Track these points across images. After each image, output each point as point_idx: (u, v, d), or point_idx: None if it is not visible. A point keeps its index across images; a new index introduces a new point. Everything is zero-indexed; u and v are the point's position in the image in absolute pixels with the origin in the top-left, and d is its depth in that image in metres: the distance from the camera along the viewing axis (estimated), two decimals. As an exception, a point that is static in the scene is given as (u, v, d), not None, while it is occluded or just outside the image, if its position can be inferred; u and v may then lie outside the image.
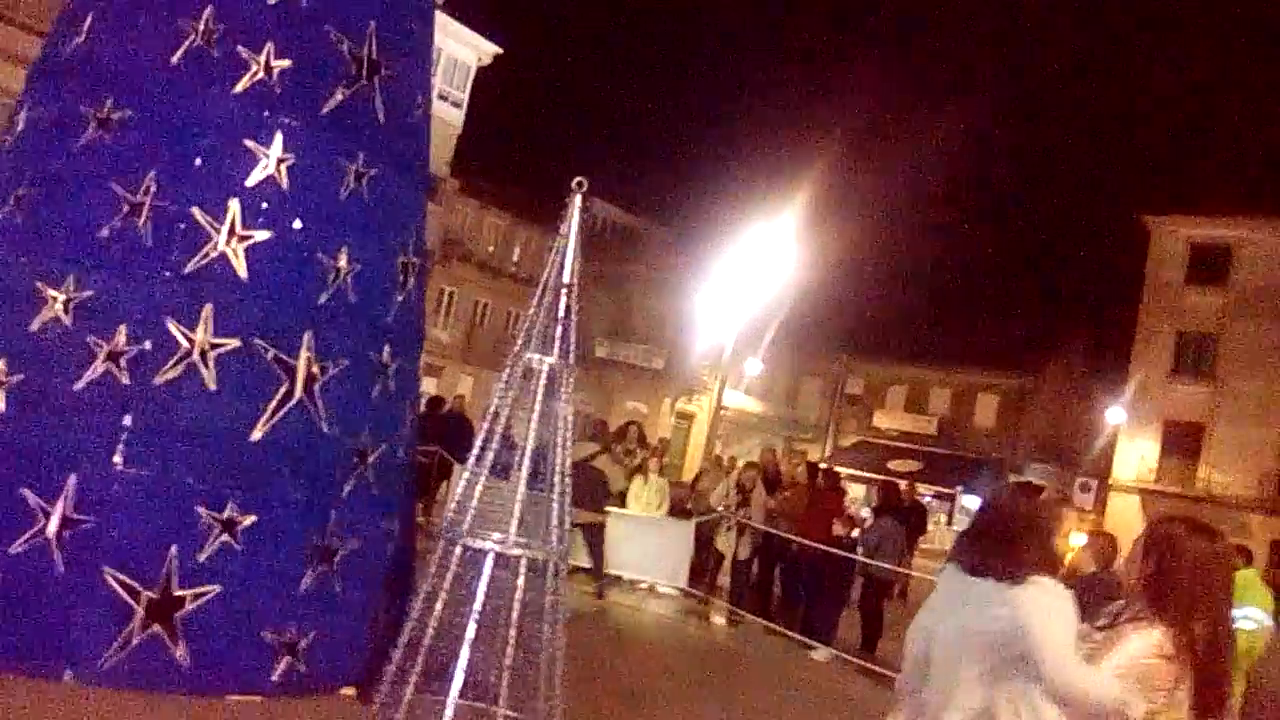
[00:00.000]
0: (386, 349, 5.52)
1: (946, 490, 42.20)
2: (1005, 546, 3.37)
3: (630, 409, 42.01)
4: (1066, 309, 44.69)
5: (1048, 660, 3.16)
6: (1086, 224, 67.18)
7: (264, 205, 5.06)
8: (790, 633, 11.19)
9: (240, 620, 4.88)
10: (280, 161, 5.09)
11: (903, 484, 15.31)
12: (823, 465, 15.37)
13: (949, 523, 40.85)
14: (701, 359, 41.76)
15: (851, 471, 42.05)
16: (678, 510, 13.31)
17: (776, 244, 23.86)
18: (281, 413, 5.00)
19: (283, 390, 5.02)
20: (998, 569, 3.33)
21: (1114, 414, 38.54)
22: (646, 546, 12.22)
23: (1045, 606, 3.24)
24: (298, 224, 5.15)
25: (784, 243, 24.09)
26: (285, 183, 5.11)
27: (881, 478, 16.60)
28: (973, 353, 43.80)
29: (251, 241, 5.01)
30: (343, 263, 5.26)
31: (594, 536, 11.41)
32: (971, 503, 39.28)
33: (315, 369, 5.13)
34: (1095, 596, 4.21)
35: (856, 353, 48.29)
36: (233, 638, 4.85)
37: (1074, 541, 8.72)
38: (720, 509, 12.51)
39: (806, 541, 11.31)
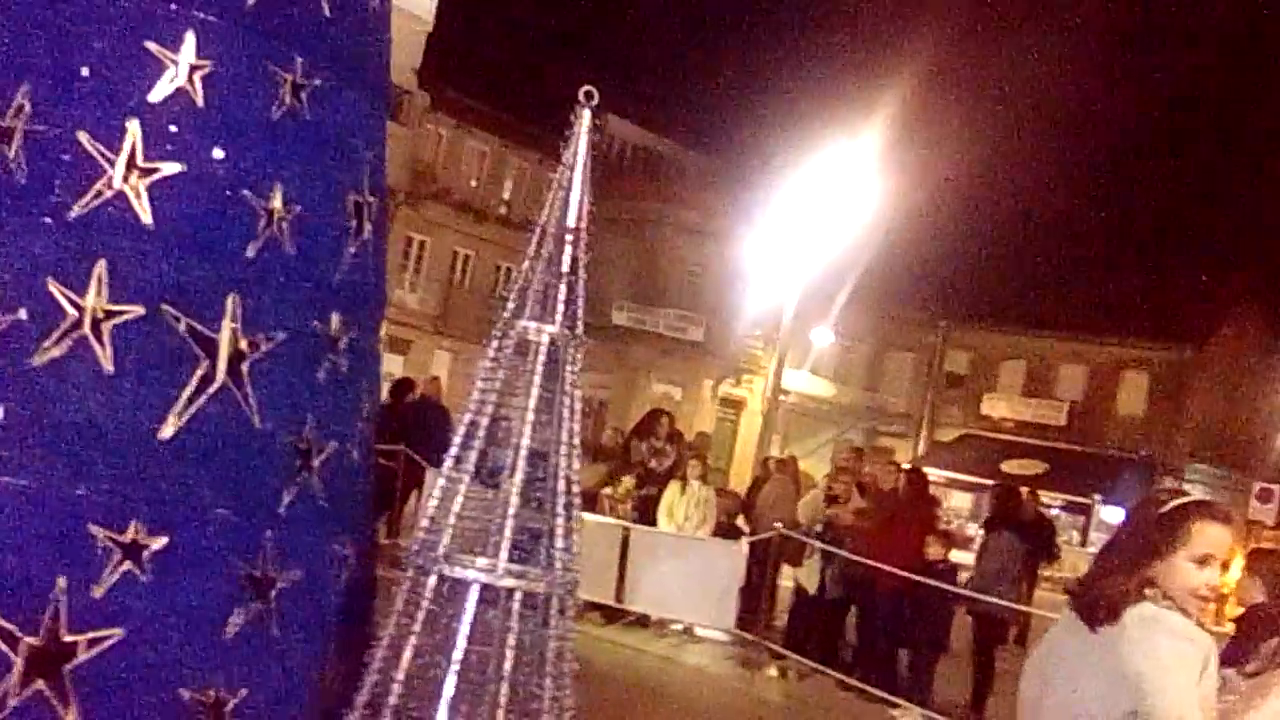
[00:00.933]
0: (335, 317, 5.52)
1: (1080, 499, 42.12)
2: (1104, 568, 3.40)
3: (660, 394, 42.13)
4: (1240, 262, 44.13)
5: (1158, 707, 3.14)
6: (1268, 151, 66.56)
7: (172, 129, 5.05)
8: (871, 688, 11.22)
9: (149, 674, 4.91)
10: (193, 70, 5.09)
11: (1023, 490, 15.26)
12: (905, 465, 15.36)
13: (1083, 542, 40.76)
14: (753, 329, 41.75)
15: (952, 475, 42.14)
16: (725, 529, 13.37)
17: (852, 176, 23.78)
18: (199, 402, 5.01)
19: (200, 372, 5.03)
20: (1090, 596, 3.35)
21: (1304, 398, 38.34)
22: (683, 576, 12.26)
23: (1162, 650, 3.22)
24: (217, 153, 5.15)
25: (862, 175, 24.01)
26: (200, 98, 5.10)
27: (993, 483, 16.54)
28: (1115, 318, 43.58)
29: (156, 176, 5.01)
30: (277, 204, 5.26)
31: None
32: (1113, 516, 39.17)
33: (243, 344, 5.14)
34: (1261, 633, 4.18)
35: (959, 319, 48.20)
36: (139, 697, 4.89)
37: (1231, 574, 8.66)
38: (807, 527, 12.53)
39: (886, 568, 11.31)
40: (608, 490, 13.35)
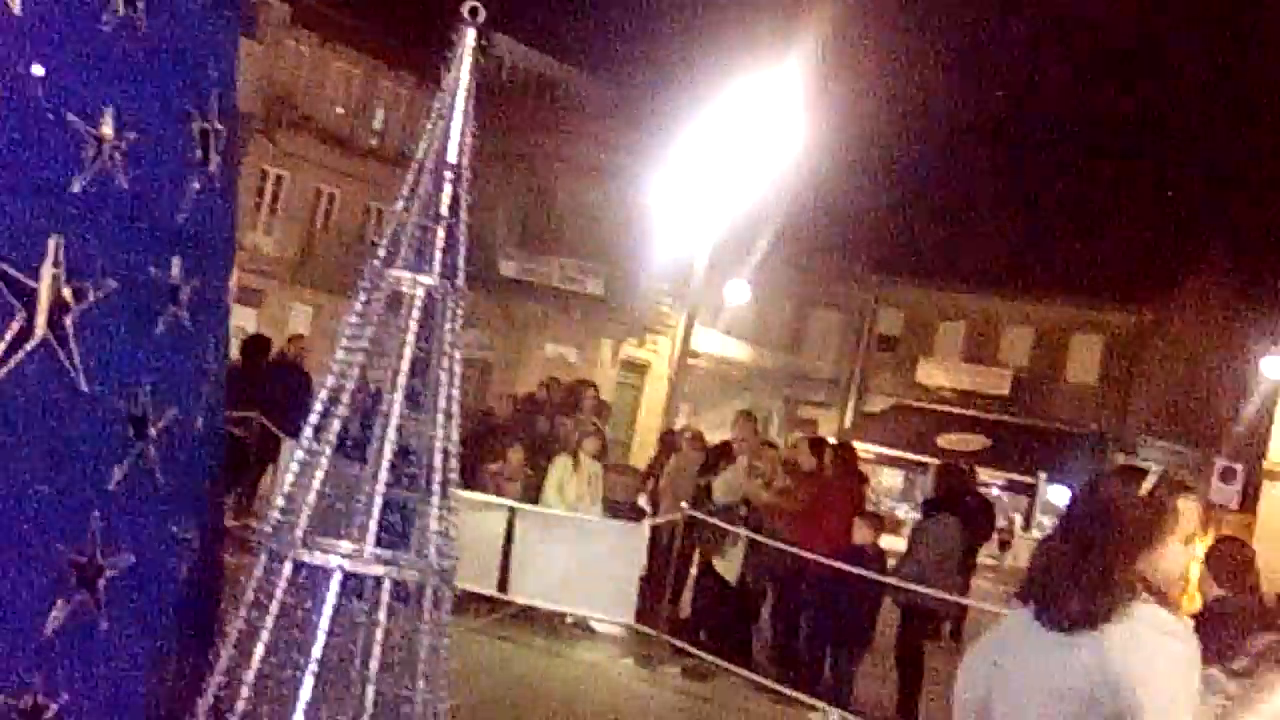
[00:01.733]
0: (176, 263, 5.45)
1: (1024, 478, 42.93)
2: (1088, 566, 3.41)
3: (552, 355, 42.20)
4: (1204, 216, 45.05)
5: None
6: (1235, 89, 67.91)
7: (-17, 41, 4.95)
8: (786, 689, 11.37)
9: (-45, 676, 4.85)
10: (7, -28, 4.99)
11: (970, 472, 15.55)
12: (831, 440, 15.54)
13: (1026, 525, 41.61)
14: (659, 283, 41.87)
15: (882, 450, 42.74)
16: (625, 509, 13.44)
17: (773, 110, 23.88)
18: (14, 360, 4.93)
19: (16, 326, 4.95)
20: (1076, 603, 3.38)
21: (1272, 366, 39.24)
22: (576, 562, 12.31)
23: (1149, 649, 3.30)
24: (36, 69, 5.05)
25: (784, 108, 24.12)
26: (16, 4, 5.00)
27: (938, 461, 16.83)
28: (1066, 276, 44.31)
29: (-36, 96, 4.91)
30: (107, 130, 5.18)
31: None
32: (1060, 496, 39.97)
33: (66, 293, 5.07)
34: (1229, 629, 4.30)
35: (892, 274, 48.74)
36: (-57, 702, 4.83)
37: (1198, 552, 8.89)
38: (729, 506, 12.62)
39: (807, 554, 11.45)
40: (493, 465, 13.36)
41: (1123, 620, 3.33)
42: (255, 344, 17.02)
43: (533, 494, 13.00)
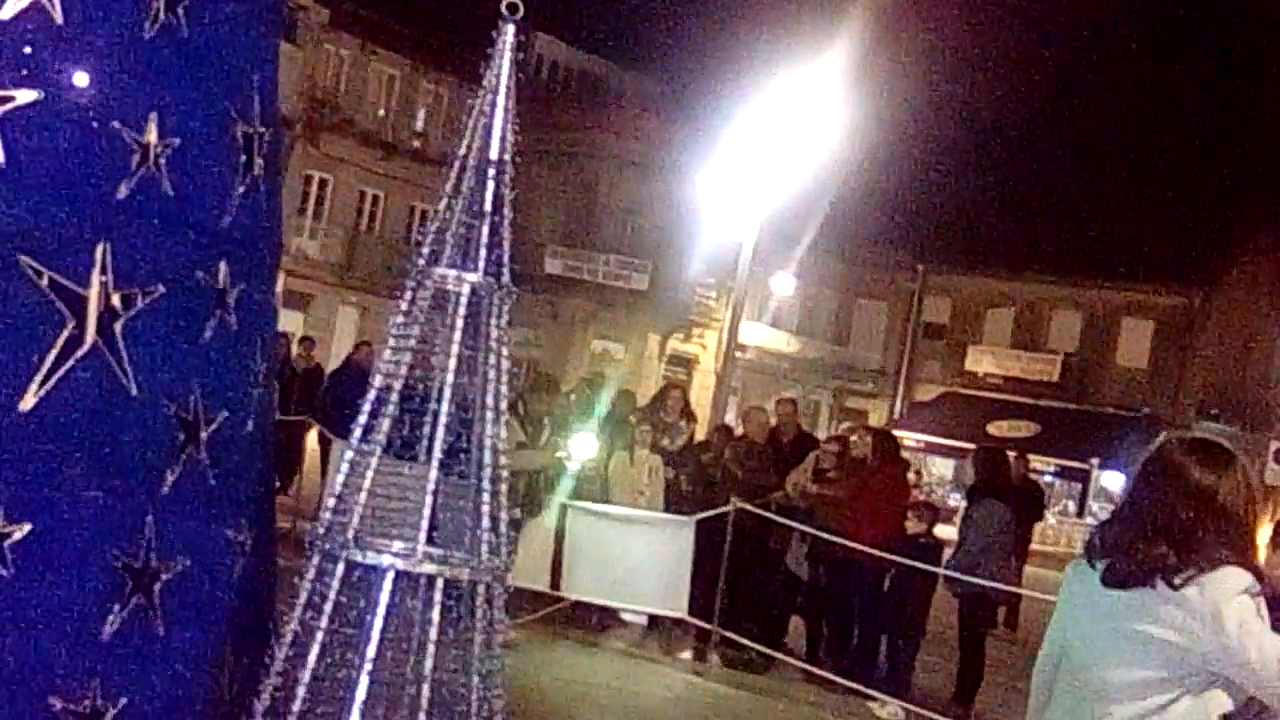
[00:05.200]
0: (223, 268, 5.48)
1: (1076, 464, 42.63)
2: (1175, 536, 3.58)
3: (600, 351, 42.20)
4: (1254, 196, 44.54)
5: (1259, 674, 3.46)
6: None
7: (27, 50, 4.98)
8: (843, 680, 11.34)
9: (15, 681, 4.88)
10: (51, -18, 5.02)
11: (1010, 455, 15.41)
12: (875, 428, 15.46)
13: (1080, 512, 41.35)
14: (705, 276, 41.83)
15: (932, 438, 42.51)
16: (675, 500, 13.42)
17: (816, 100, 23.79)
18: (66, 368, 4.97)
19: (67, 333, 4.98)
20: (1166, 567, 3.55)
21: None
22: (626, 557, 12.31)
23: (1239, 603, 3.49)
24: (80, 78, 5.08)
25: (828, 98, 24.02)
26: (59, 14, 5.02)
27: (978, 446, 16.72)
28: (1114, 259, 43.94)
29: (10, 107, 4.94)
30: (151, 136, 5.21)
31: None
32: (1113, 482, 39.67)
33: (115, 300, 5.09)
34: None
35: (939, 262, 48.49)
36: (3, 707, 4.86)
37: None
38: (796, 500, 12.57)
39: (860, 547, 11.40)
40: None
41: (1209, 578, 3.51)
42: (301, 347, 17.16)
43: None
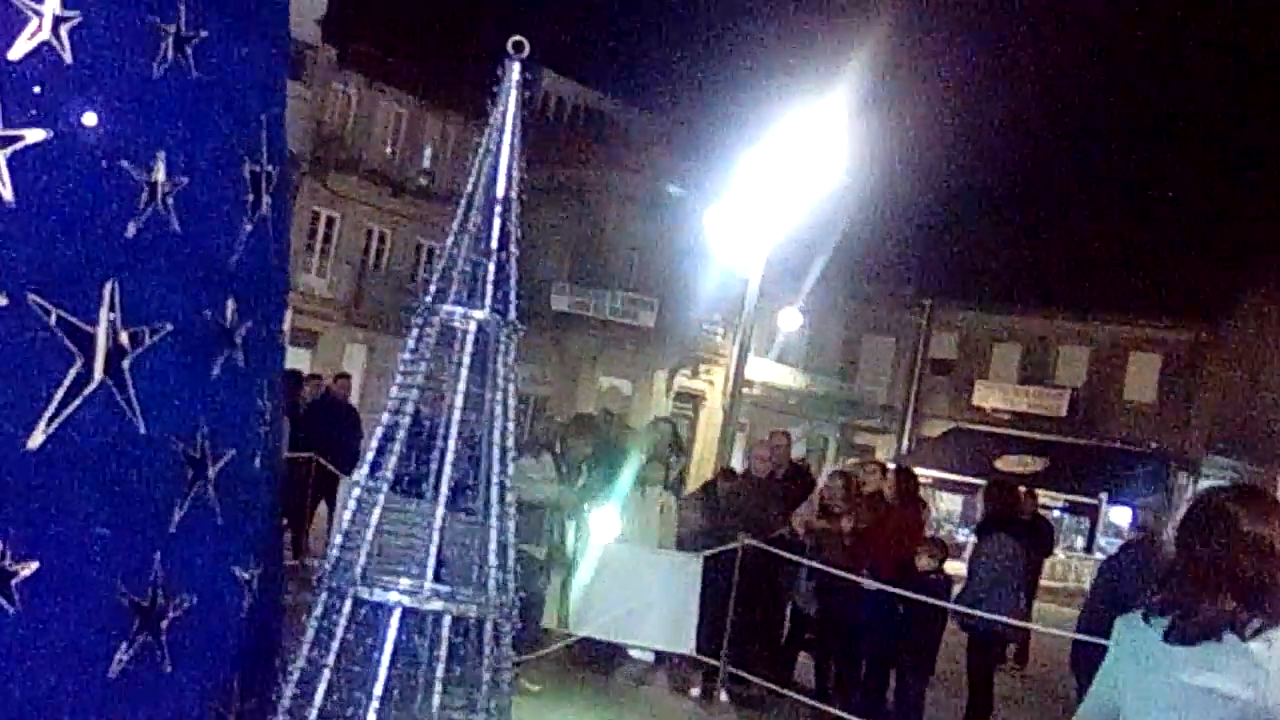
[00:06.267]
0: (231, 306, 5.49)
1: (1084, 499, 42.53)
2: (1240, 588, 3.58)
3: (607, 388, 42.14)
4: (1260, 231, 44.54)
5: None
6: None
7: (36, 90, 5.00)
8: (852, 717, 11.29)
9: (20, 719, 4.88)
10: (60, 22, 5.04)
11: (1019, 489, 15.38)
12: (890, 464, 15.45)
13: (1088, 548, 41.17)
14: (711, 312, 41.84)
15: (940, 474, 42.42)
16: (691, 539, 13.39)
17: (822, 137, 23.85)
18: (74, 405, 4.97)
19: (75, 371, 4.99)
20: (1235, 621, 3.55)
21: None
22: (632, 594, 12.29)
23: None
24: (89, 118, 5.11)
25: (834, 135, 24.07)
26: (68, 54, 5.05)
27: (988, 480, 16.69)
28: (1122, 294, 43.97)
29: (19, 146, 4.96)
30: (160, 175, 5.23)
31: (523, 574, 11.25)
32: (1122, 517, 39.55)
33: (123, 338, 5.11)
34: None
35: (945, 298, 48.49)
36: (10, 746, 4.86)
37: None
38: (803, 537, 12.55)
39: (870, 582, 11.39)
40: None
41: (1276, 631, 3.53)
42: (308, 384, 17.16)
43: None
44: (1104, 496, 42.04)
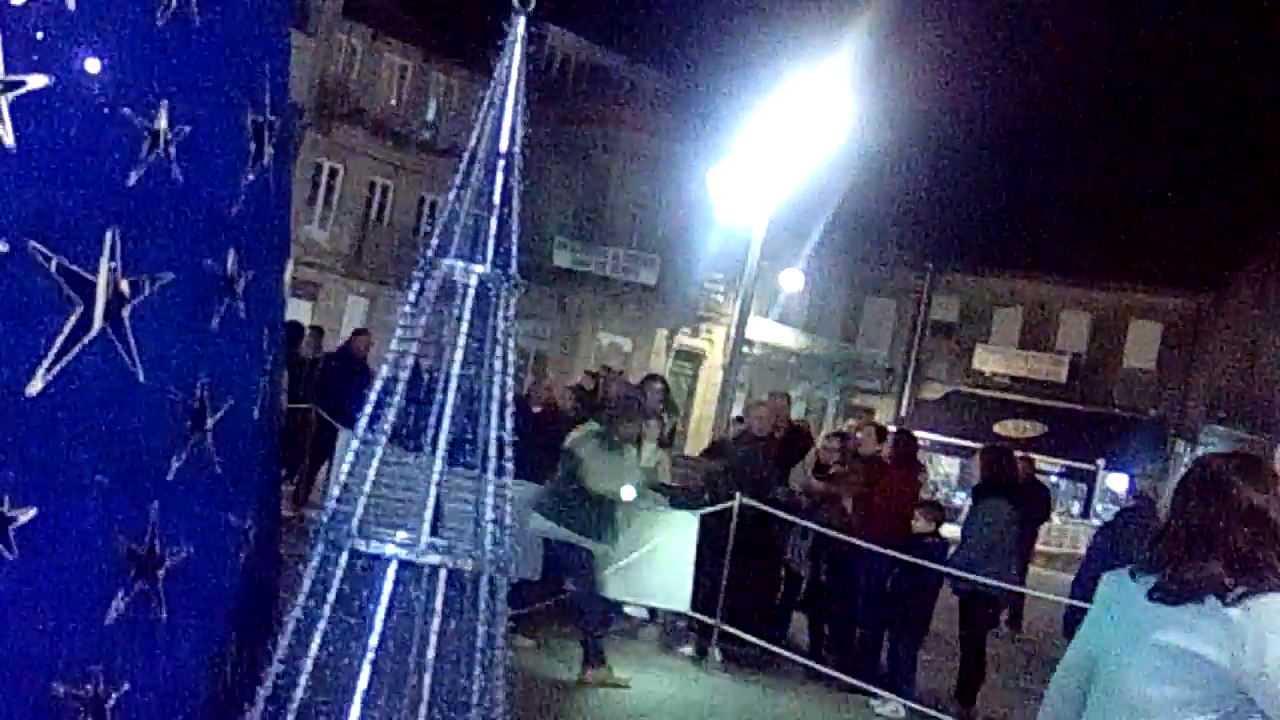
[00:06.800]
0: (232, 256, 5.49)
1: (1082, 465, 42.64)
2: (1229, 554, 3.59)
3: (607, 345, 42.25)
4: (1263, 198, 44.44)
5: None
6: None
7: (38, 36, 4.98)
8: (845, 677, 11.35)
9: (16, 665, 4.89)
10: (63, -32, 5.03)
11: (1017, 454, 15.40)
12: (890, 427, 15.48)
13: (1085, 513, 41.30)
14: (712, 271, 41.82)
15: (939, 437, 42.49)
16: (679, 495, 13.41)
17: (826, 95, 23.78)
18: (73, 353, 4.98)
19: (74, 319, 4.99)
20: (1219, 585, 3.56)
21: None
22: (631, 551, 12.29)
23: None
24: (92, 64, 5.09)
25: (837, 94, 24.01)
26: (71, 1, 5.04)
27: (985, 445, 16.72)
28: (1123, 260, 43.93)
29: (20, 92, 4.95)
30: (161, 123, 5.21)
31: (576, 566, 10.81)
32: (1119, 483, 39.64)
33: (123, 286, 5.10)
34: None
35: (947, 261, 48.48)
36: (4, 691, 4.88)
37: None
38: (799, 497, 12.53)
39: (865, 544, 11.40)
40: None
41: (1258, 602, 3.52)
42: (309, 336, 17.14)
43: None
44: (1101, 463, 42.15)
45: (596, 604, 10.90)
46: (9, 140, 4.94)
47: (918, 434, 16.06)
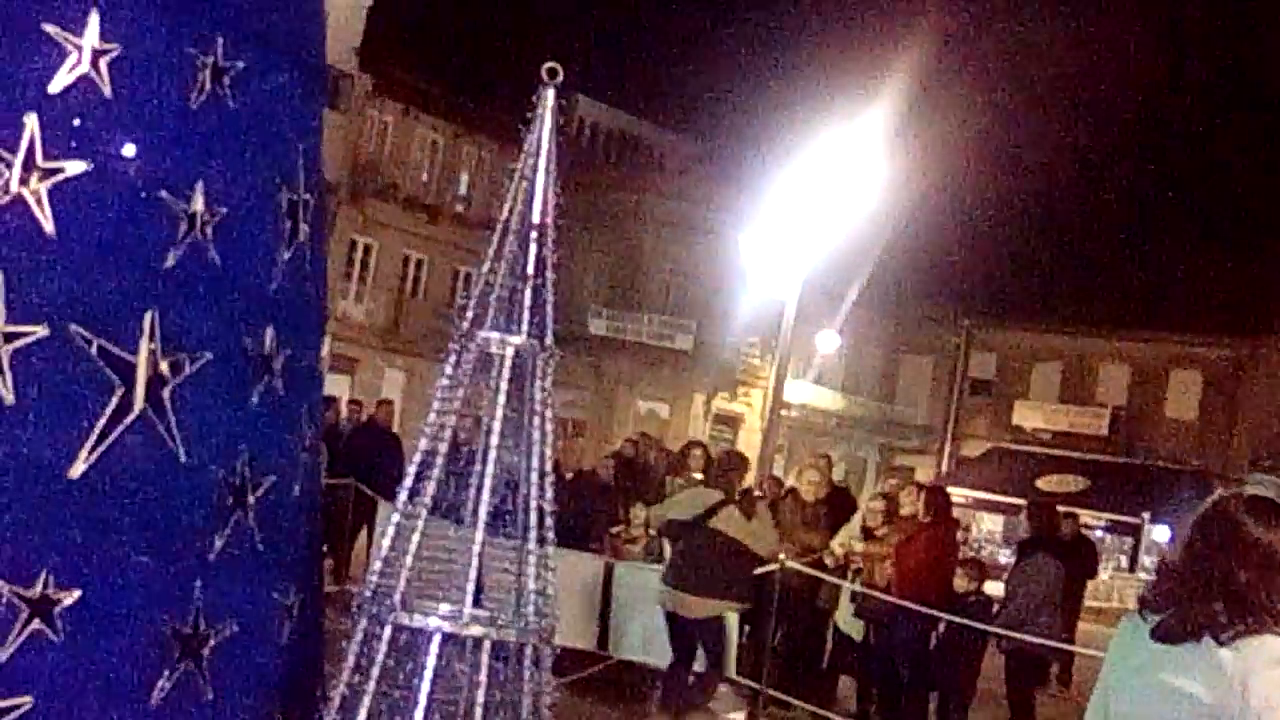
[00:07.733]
0: (270, 333, 5.52)
1: (1127, 519, 42.22)
2: (1231, 594, 3.51)
3: (645, 411, 42.17)
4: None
5: None
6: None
7: (76, 122, 5.05)
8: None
9: (65, 748, 4.90)
10: (99, 55, 5.08)
11: (1060, 509, 15.30)
12: (927, 484, 15.39)
13: (1131, 567, 40.89)
14: (748, 335, 41.79)
15: (980, 495, 42.22)
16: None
17: (858, 158, 23.85)
18: (115, 434, 5.00)
19: (116, 400, 5.02)
20: (1217, 624, 3.49)
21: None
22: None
23: (1271, 676, 3.38)
24: (128, 149, 5.15)
25: (870, 156, 24.09)
26: (107, 87, 5.10)
27: (1031, 500, 16.61)
28: (1162, 311, 43.71)
29: (59, 178, 5.00)
30: (198, 205, 5.27)
31: (710, 634, 10.91)
32: (1165, 536, 39.26)
33: (163, 366, 5.14)
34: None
35: (984, 317, 48.32)
36: (55, 774, 4.88)
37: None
38: (841, 560, 12.45)
39: (910, 605, 11.31)
40: (615, 529, 13.34)
41: (1249, 642, 3.44)
42: (348, 411, 17.27)
43: (657, 555, 12.79)
44: (1146, 516, 41.74)
45: (718, 681, 11.03)
46: (49, 226, 4.99)
47: (959, 491, 15.99)
